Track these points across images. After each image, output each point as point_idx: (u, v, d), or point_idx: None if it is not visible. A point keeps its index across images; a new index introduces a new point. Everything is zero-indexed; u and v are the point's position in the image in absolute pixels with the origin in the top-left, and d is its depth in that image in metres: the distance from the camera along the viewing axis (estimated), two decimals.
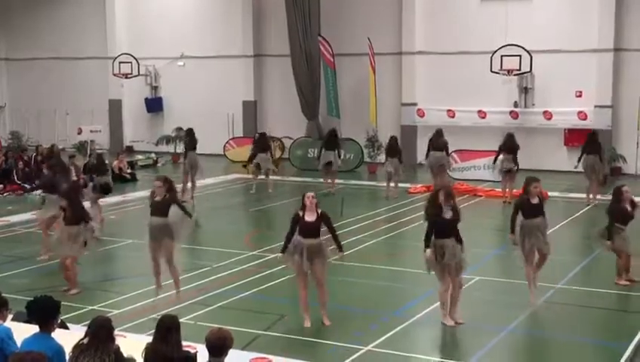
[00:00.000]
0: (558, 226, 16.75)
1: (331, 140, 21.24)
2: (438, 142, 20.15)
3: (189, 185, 19.94)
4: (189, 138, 20.52)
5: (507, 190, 19.38)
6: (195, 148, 20.34)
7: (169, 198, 11.17)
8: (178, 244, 11.49)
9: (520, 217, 11.21)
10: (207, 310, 11.05)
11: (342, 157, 21.80)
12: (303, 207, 10.16)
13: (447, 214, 10.22)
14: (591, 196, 19.20)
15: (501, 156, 19.66)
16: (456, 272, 10.31)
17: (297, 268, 10.27)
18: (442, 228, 10.21)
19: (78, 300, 11.24)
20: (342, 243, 10.55)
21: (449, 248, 10.14)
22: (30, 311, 6.58)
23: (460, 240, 10.27)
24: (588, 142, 19.64)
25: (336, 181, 21.42)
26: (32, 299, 6.63)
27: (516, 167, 19.35)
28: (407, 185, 21.54)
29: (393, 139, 20.72)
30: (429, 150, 20.54)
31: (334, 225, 10.49)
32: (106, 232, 16.25)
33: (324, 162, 20.92)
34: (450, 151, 20.92)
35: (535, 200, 11.21)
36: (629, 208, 12.20)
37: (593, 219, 17.87)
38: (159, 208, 11.13)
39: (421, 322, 10.69)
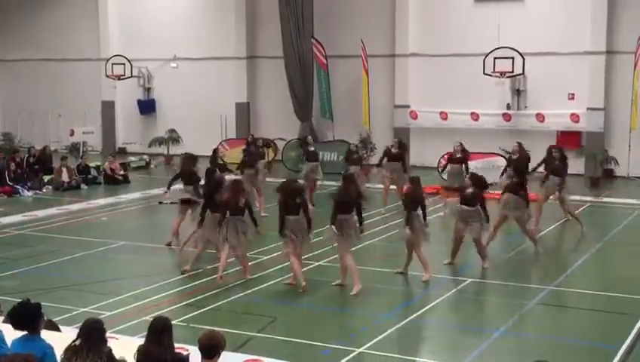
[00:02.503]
0: (551, 227, 16.82)
1: (311, 151, 20.03)
2: (395, 153, 18.94)
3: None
4: (248, 153, 19.73)
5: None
6: (252, 166, 18.95)
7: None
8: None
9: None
10: (200, 312, 11.02)
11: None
12: None
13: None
14: None
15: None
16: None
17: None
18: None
19: (70, 302, 11.21)
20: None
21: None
22: (13, 321, 6.53)
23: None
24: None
25: (329, 183, 21.30)
26: (11, 308, 6.60)
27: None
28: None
29: (354, 146, 20.02)
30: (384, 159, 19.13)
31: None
32: (98, 234, 16.24)
33: (308, 173, 19.63)
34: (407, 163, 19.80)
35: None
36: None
37: (586, 221, 17.92)
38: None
39: (413, 324, 10.70)
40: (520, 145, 18.49)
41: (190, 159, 15.43)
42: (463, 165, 18.17)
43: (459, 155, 18.38)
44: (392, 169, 18.76)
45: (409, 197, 13.00)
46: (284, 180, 13.05)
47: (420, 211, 12.72)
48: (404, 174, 18.31)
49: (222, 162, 18.65)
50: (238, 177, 14.52)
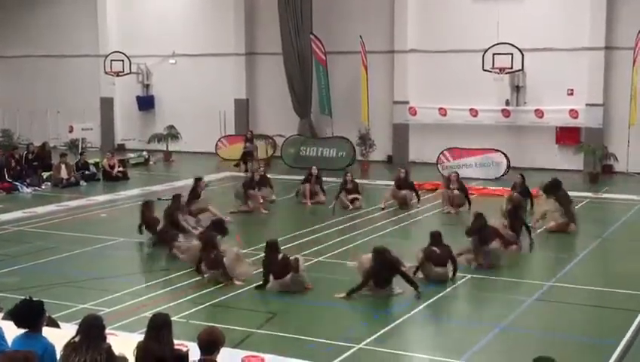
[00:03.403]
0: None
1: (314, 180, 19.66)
2: (405, 182, 19.04)
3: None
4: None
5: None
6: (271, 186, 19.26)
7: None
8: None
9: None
10: (199, 308, 11.02)
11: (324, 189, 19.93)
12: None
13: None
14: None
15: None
16: None
17: None
18: None
19: (69, 298, 11.21)
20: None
21: None
22: (16, 318, 6.53)
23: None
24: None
25: (330, 179, 21.33)
26: (13, 306, 6.59)
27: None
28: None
29: (350, 175, 19.39)
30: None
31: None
32: (97, 231, 16.24)
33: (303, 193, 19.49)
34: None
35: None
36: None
37: (585, 216, 17.94)
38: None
39: (412, 320, 10.70)
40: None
41: (148, 205, 15.27)
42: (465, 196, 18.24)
43: (456, 187, 18.28)
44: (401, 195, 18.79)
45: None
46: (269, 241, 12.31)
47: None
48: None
49: (199, 197, 17.68)
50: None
